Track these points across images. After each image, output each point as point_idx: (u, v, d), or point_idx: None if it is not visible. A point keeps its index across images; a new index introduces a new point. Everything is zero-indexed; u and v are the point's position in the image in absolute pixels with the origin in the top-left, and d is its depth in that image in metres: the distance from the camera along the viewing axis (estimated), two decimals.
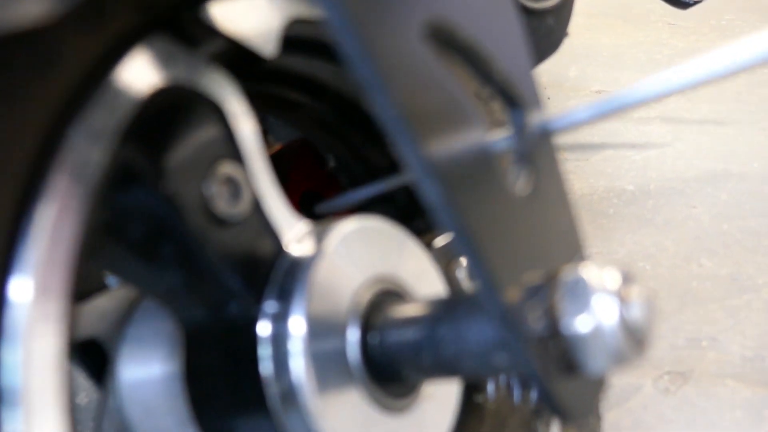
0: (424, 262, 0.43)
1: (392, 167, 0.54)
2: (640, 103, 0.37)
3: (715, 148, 1.25)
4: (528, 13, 0.98)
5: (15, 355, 0.28)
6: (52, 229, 0.28)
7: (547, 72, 1.63)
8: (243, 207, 0.36)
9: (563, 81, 1.60)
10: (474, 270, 0.30)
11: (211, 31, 0.34)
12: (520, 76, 0.36)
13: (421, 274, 0.42)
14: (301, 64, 0.44)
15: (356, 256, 0.39)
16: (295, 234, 0.38)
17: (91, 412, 0.43)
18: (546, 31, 1.05)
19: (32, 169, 0.27)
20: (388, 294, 0.39)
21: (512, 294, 0.30)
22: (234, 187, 0.36)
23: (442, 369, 0.35)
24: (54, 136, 0.28)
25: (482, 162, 0.31)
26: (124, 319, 0.41)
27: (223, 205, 0.35)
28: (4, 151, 0.26)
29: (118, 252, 0.35)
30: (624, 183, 1.15)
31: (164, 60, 0.32)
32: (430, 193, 0.28)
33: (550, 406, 0.33)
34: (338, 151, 0.58)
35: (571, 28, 1.30)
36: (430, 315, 0.35)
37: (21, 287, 0.28)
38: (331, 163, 0.64)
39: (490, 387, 0.53)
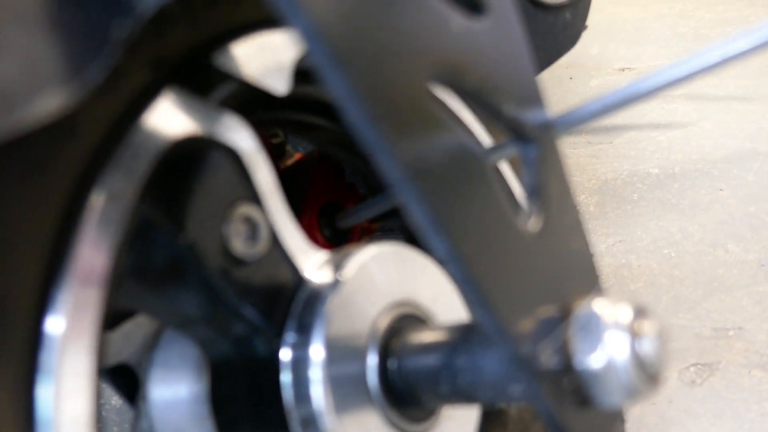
0: (443, 283, 0.43)
1: None
2: (649, 93, 0.37)
3: (742, 126, 1.22)
4: (544, 8, 0.97)
5: (50, 388, 0.30)
6: (81, 276, 0.30)
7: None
8: (261, 245, 0.37)
9: (585, 60, 1.57)
10: (480, 314, 0.30)
11: (223, 76, 0.35)
12: (533, 108, 0.36)
13: (439, 296, 0.42)
14: (315, 90, 0.45)
15: (374, 283, 0.39)
16: (313, 264, 0.39)
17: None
18: (563, 26, 1.03)
19: (59, 231, 0.28)
20: (407, 318, 0.39)
21: (524, 328, 0.31)
22: (252, 227, 0.36)
23: (460, 396, 0.36)
24: (78, 201, 0.29)
25: (485, 196, 0.32)
26: (151, 344, 0.43)
27: (241, 245, 0.36)
28: (33, 221, 0.28)
29: (141, 290, 0.36)
30: (648, 166, 1.13)
31: (179, 113, 0.33)
32: (414, 212, 0.28)
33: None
34: (355, 164, 0.58)
35: (593, 2, 1.27)
36: (448, 342, 0.36)
37: (55, 324, 0.29)
38: (349, 174, 0.65)
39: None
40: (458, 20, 0.32)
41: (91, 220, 0.29)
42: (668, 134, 1.23)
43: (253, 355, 0.37)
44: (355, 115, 0.27)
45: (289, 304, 0.37)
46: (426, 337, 0.37)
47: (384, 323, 0.38)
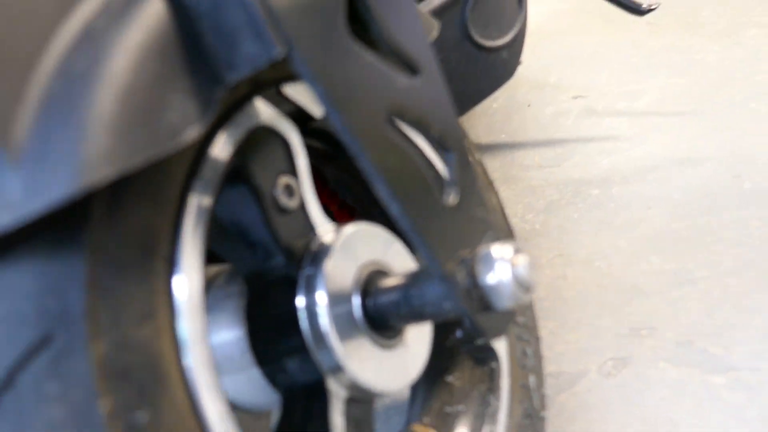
0: (399, 249, 0.63)
1: None
2: None
3: (677, 147, 1.37)
4: (485, 49, 1.13)
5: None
6: (190, 247, 0.47)
7: (527, 79, 1.76)
8: (294, 204, 0.56)
9: (544, 87, 1.73)
10: (423, 255, 0.50)
11: (285, 98, 0.56)
12: (451, 131, 0.54)
13: (397, 257, 0.62)
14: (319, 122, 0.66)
15: (356, 248, 0.58)
16: (323, 229, 0.58)
17: None
18: (501, 63, 1.21)
19: (189, 173, 0.47)
20: (377, 272, 0.58)
21: (450, 265, 0.51)
22: (290, 191, 0.56)
23: (414, 316, 0.54)
24: (204, 149, 0.48)
25: (424, 190, 0.52)
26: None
27: (283, 199, 0.55)
28: (161, 213, 0.44)
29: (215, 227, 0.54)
30: (590, 187, 1.28)
31: (262, 111, 0.53)
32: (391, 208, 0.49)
33: (476, 331, 0.53)
34: (339, 177, 0.77)
35: (556, 28, 1.43)
36: (404, 283, 0.55)
37: (180, 282, 0.45)
38: (332, 184, 0.82)
39: (459, 333, 0.73)
40: (401, 79, 0.52)
41: (210, 162, 0.48)
42: (610, 157, 1.38)
43: (278, 281, 0.55)
44: (344, 135, 0.46)
45: (304, 252, 0.56)
46: (390, 282, 0.56)
47: (363, 274, 0.57)
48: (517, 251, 0.50)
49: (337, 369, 0.53)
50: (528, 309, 0.82)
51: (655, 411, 0.82)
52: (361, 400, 0.57)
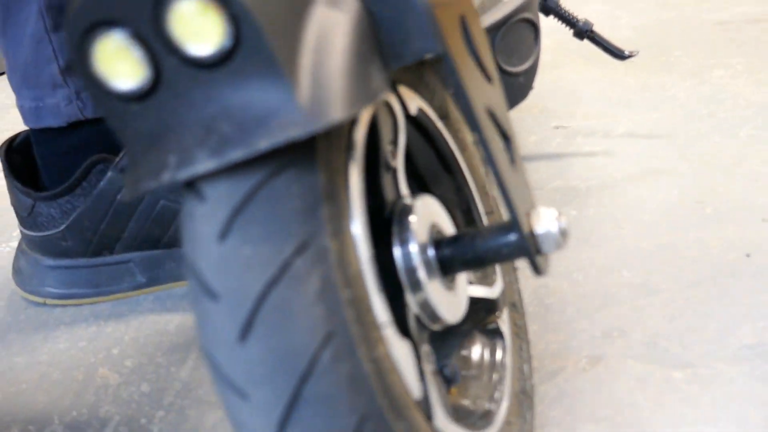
0: (446, 217, 0.77)
1: None
2: None
3: (648, 173, 1.52)
4: (507, 74, 1.39)
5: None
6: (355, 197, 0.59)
7: (512, 110, 1.90)
8: (393, 166, 0.70)
9: (528, 117, 1.87)
10: (509, 207, 0.64)
11: (396, 93, 0.71)
12: (508, 125, 0.72)
13: (446, 222, 0.76)
14: None
15: (427, 210, 0.71)
16: (405, 193, 0.72)
17: None
18: (519, 86, 1.46)
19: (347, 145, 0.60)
20: (437, 229, 0.72)
21: (525, 221, 0.66)
22: (393, 156, 0.70)
23: (477, 262, 0.69)
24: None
25: (508, 160, 0.69)
26: None
27: (390, 161, 0.69)
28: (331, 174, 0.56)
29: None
30: (569, 208, 1.42)
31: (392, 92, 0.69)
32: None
33: (536, 268, 0.67)
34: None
35: (541, 65, 1.59)
36: (469, 234, 0.70)
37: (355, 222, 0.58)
38: None
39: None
40: (487, 84, 0.70)
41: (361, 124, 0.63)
42: (587, 182, 1.52)
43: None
44: (470, 118, 0.64)
45: (393, 208, 0.68)
46: (456, 234, 0.72)
47: (433, 230, 0.70)
48: (560, 215, 0.68)
49: (426, 304, 0.66)
50: (523, 314, 0.95)
51: (622, 399, 0.94)
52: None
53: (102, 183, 1.17)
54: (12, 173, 1.22)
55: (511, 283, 0.94)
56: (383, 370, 0.51)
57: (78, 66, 0.43)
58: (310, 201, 0.47)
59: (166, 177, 0.41)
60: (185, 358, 1.09)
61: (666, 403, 0.93)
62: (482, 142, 0.63)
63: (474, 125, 0.61)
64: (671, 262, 1.22)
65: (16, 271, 1.32)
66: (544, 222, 0.64)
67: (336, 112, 0.45)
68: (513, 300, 0.92)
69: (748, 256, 1.23)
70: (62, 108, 1.18)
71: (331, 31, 0.49)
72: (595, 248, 1.28)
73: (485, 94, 0.66)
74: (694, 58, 2.26)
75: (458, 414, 0.71)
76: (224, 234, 0.44)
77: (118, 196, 1.18)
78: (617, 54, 1.67)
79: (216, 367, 0.45)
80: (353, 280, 0.51)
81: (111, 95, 0.43)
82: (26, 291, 1.30)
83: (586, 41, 1.68)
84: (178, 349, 1.11)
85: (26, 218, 1.24)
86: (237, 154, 0.41)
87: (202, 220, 0.44)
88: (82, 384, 1.07)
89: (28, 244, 1.29)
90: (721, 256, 1.24)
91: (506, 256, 0.66)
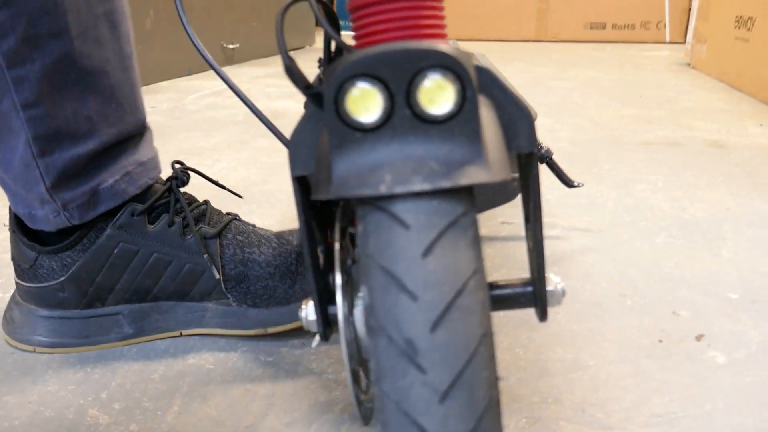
0: None
1: None
2: None
3: (577, 270, 1.74)
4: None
5: None
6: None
7: None
8: None
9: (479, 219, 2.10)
10: (536, 268, 0.72)
11: None
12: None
13: None
14: None
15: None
16: None
17: None
18: (512, 188, 1.71)
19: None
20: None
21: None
22: None
23: (496, 305, 0.72)
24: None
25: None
26: None
27: None
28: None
29: None
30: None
31: None
32: None
33: (542, 312, 0.72)
34: None
35: None
36: (498, 283, 0.74)
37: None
38: None
39: None
40: None
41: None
42: (528, 273, 1.73)
43: None
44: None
45: None
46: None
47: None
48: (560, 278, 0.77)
49: None
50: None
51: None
52: None
53: (101, 239, 1.28)
54: (20, 229, 1.33)
55: None
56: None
57: (329, 105, 0.54)
58: (476, 237, 0.59)
59: (383, 188, 0.53)
60: (170, 404, 1.20)
61: None
62: (536, 222, 0.71)
63: (538, 211, 0.71)
64: (597, 344, 1.43)
65: (8, 321, 1.39)
66: (553, 283, 0.73)
67: (505, 172, 0.57)
68: None
69: (660, 341, 1.45)
70: (51, 219, 1.28)
71: (486, 116, 0.60)
72: (534, 329, 1.47)
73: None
74: (621, 172, 2.57)
75: None
76: (427, 253, 0.55)
77: (116, 251, 1.28)
78: (567, 183, 1.94)
79: (397, 277, 0.55)
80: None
81: (348, 124, 0.55)
82: (16, 340, 1.37)
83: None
84: (164, 396, 1.22)
85: (27, 270, 1.34)
86: (445, 184, 0.53)
87: (407, 243, 0.55)
88: (73, 422, 1.16)
89: (23, 295, 1.38)
90: (638, 341, 1.45)
91: (523, 304, 0.74)
